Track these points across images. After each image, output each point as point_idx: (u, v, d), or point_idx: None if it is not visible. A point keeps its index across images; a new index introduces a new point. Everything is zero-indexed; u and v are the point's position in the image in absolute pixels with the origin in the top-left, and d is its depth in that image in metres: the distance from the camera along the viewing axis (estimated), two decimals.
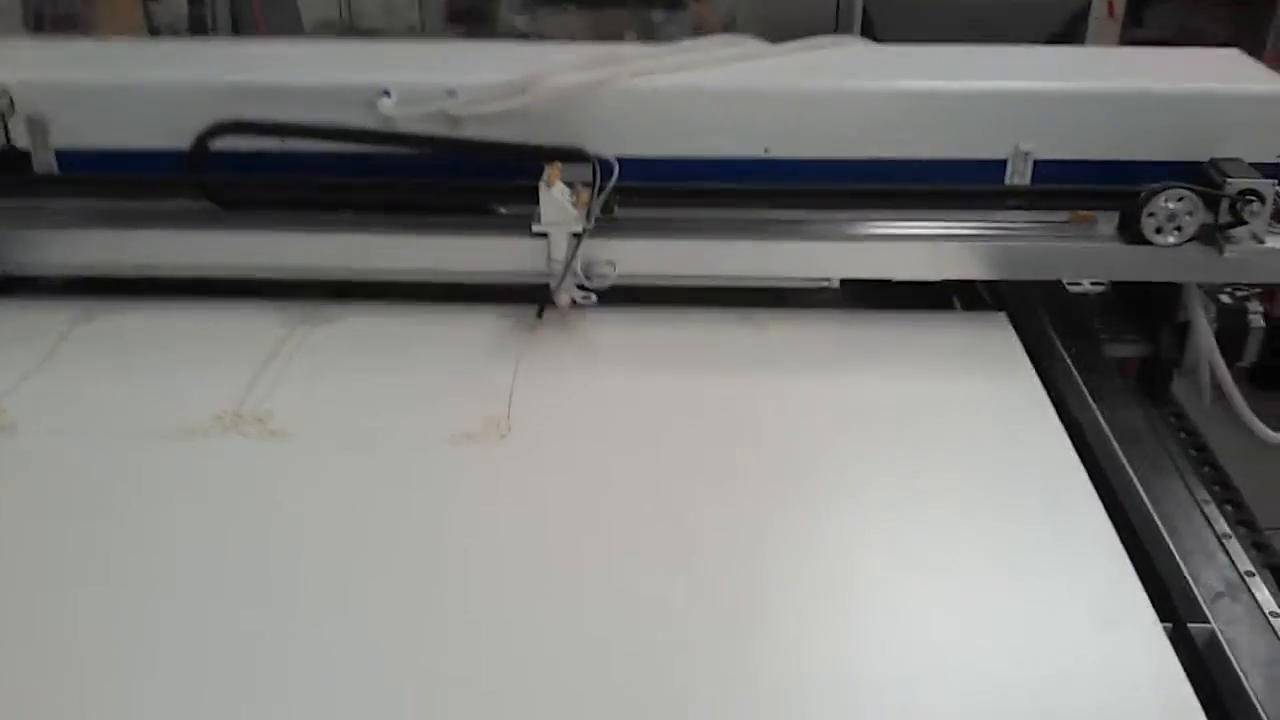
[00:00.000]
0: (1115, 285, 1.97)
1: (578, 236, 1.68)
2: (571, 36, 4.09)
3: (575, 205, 1.68)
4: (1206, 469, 1.62)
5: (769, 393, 1.62)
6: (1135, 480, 1.49)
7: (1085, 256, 1.76)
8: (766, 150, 1.79)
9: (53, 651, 1.18)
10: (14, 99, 1.79)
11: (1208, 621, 1.25)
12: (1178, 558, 1.35)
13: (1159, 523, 1.41)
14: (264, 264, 1.82)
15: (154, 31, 4.22)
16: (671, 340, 1.76)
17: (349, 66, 1.90)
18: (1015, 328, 1.79)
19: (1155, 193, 1.68)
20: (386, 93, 1.76)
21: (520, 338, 1.74)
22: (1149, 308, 1.86)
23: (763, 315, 1.80)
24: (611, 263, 1.73)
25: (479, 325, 1.77)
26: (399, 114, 1.76)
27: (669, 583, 1.27)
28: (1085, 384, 1.69)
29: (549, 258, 1.71)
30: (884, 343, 1.75)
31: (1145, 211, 1.69)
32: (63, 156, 1.83)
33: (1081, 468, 1.45)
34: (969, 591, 1.26)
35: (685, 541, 1.34)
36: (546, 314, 1.75)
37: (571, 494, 1.43)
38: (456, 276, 1.82)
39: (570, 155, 1.73)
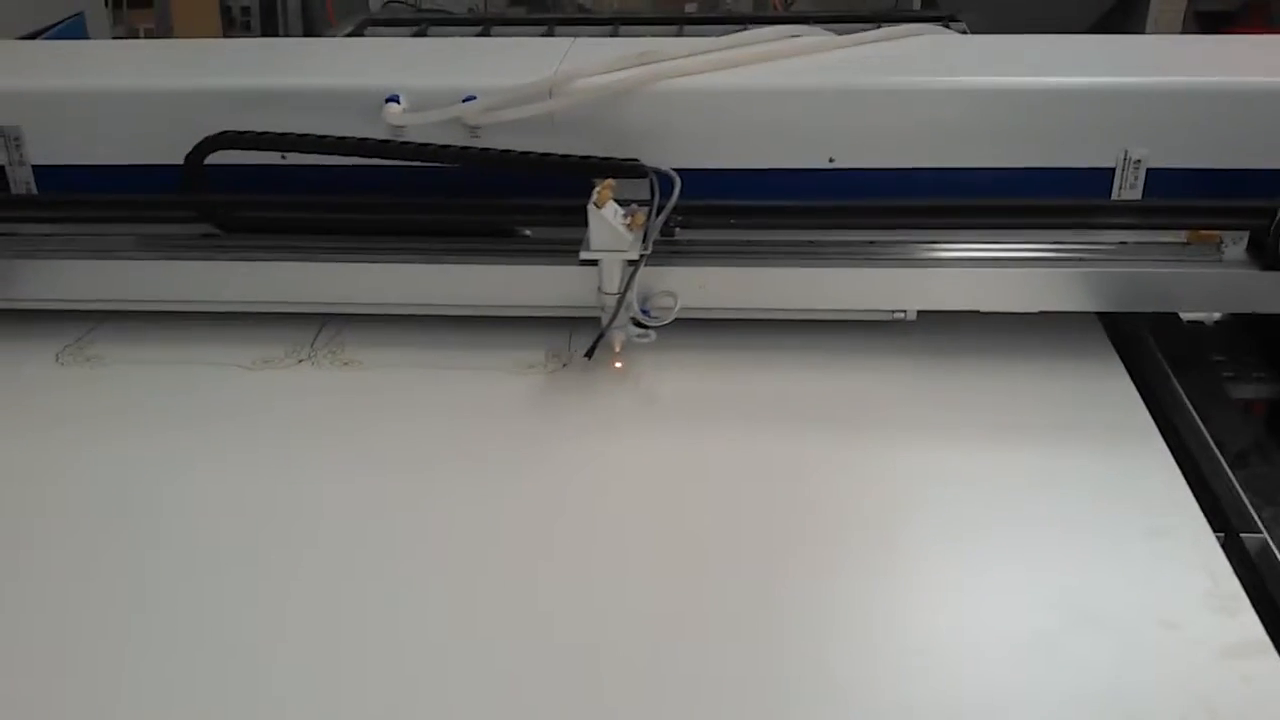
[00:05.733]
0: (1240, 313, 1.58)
1: (634, 264, 1.35)
2: (633, 11, 3.79)
3: (630, 228, 1.34)
4: None
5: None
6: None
7: (1210, 285, 1.39)
8: (831, 160, 1.44)
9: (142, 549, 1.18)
10: None
11: (1260, 531, 1.18)
12: (1231, 476, 1.26)
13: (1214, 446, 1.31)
14: (271, 297, 1.51)
15: (225, 11, 4.03)
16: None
17: (359, 68, 1.58)
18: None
19: None
20: (394, 99, 1.44)
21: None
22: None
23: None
24: (673, 294, 1.39)
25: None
26: (409, 122, 1.44)
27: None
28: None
29: (600, 289, 1.37)
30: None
31: None
32: (42, 173, 1.53)
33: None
34: (1027, 503, 1.21)
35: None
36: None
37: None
38: (489, 311, 1.50)
39: (623, 169, 1.39)
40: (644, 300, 1.39)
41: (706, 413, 1.37)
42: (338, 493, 1.24)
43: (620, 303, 1.36)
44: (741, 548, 1.15)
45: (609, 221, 1.33)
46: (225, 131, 1.44)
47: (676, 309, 1.38)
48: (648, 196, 1.36)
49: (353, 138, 1.44)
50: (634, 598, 1.10)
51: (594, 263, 1.36)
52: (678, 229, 1.40)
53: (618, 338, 1.39)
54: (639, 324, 1.38)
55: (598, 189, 1.33)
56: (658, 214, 1.35)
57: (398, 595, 1.10)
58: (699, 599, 1.09)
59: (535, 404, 1.39)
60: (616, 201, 1.35)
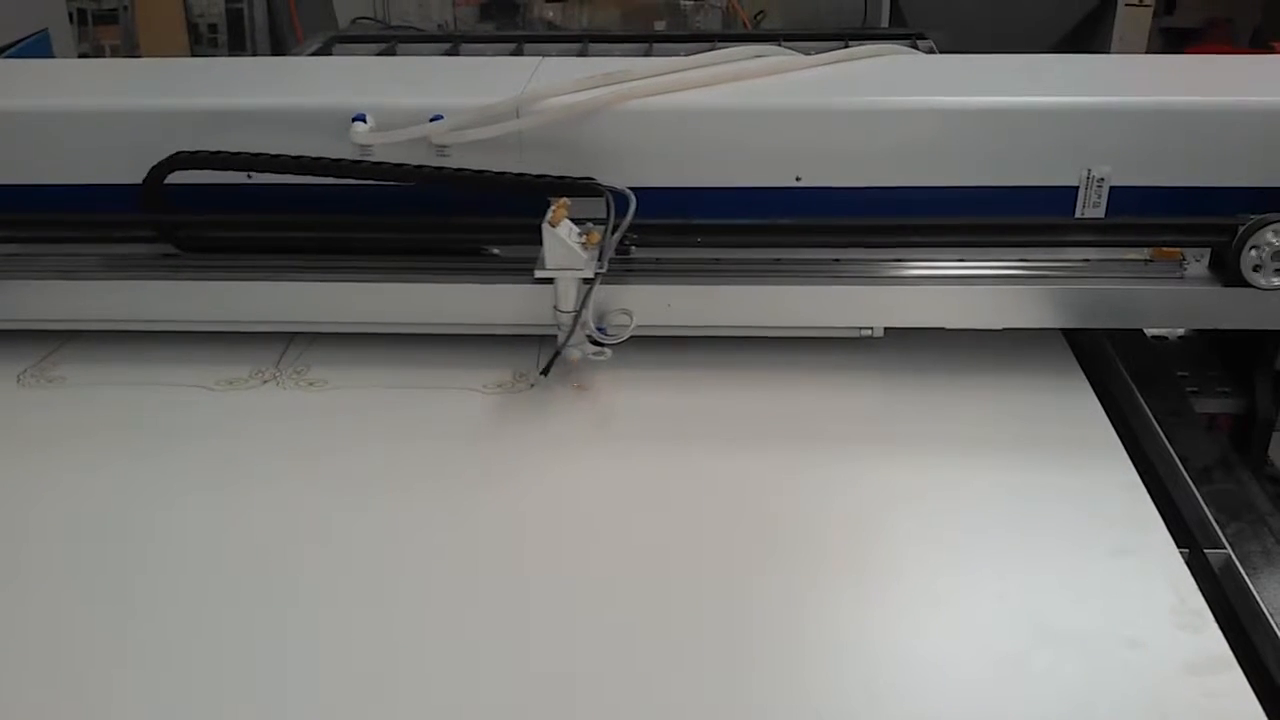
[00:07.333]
0: (1203, 329, 1.60)
1: (589, 282, 1.34)
2: (602, 28, 3.82)
3: (585, 246, 1.34)
4: None
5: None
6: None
7: (1173, 302, 1.40)
8: (798, 179, 1.44)
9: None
10: None
11: (1224, 547, 1.19)
12: (1196, 492, 1.27)
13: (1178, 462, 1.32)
14: (236, 317, 1.49)
15: (192, 28, 4.03)
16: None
17: (326, 87, 1.57)
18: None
19: (1259, 225, 1.33)
20: (361, 118, 1.43)
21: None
22: (1243, 355, 1.50)
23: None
24: (628, 312, 1.39)
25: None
26: (375, 141, 1.43)
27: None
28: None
29: (555, 308, 1.36)
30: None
31: (1248, 246, 1.33)
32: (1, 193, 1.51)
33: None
34: (992, 519, 1.21)
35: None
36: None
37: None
38: (452, 329, 1.48)
39: (579, 188, 1.39)
40: (600, 318, 1.39)
41: (674, 431, 1.36)
42: (303, 514, 1.23)
43: (576, 320, 1.35)
44: (707, 566, 1.15)
45: (563, 240, 1.32)
46: (193, 151, 1.42)
47: (632, 327, 1.38)
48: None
49: (316, 157, 1.42)
50: (601, 616, 1.09)
51: (550, 281, 1.35)
52: (634, 247, 1.39)
53: (574, 355, 1.39)
54: (595, 342, 1.38)
55: (552, 208, 1.32)
56: (612, 232, 1.34)
57: (362, 615, 1.09)
58: (665, 618, 1.08)
59: (501, 423, 1.38)
60: (575, 220, 1.34)
